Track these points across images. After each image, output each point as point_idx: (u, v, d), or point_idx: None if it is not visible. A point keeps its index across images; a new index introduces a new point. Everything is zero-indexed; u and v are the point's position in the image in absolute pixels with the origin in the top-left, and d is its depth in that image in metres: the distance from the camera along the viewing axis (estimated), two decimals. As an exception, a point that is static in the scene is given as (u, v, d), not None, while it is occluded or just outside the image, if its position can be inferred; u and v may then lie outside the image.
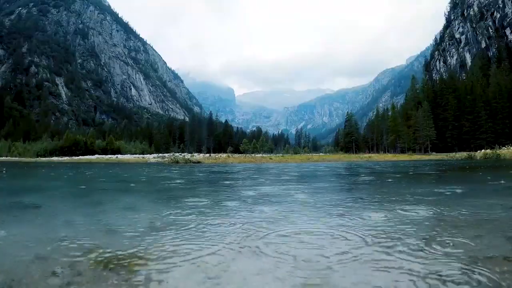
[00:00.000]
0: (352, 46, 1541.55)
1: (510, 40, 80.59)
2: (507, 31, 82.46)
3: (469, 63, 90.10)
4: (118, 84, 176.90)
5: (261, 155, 43.01)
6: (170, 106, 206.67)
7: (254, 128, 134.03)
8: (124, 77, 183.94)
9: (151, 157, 33.58)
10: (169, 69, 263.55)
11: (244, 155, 40.61)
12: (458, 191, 4.22)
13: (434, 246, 1.63)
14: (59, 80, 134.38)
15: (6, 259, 1.52)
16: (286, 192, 4.43)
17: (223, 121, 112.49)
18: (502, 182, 5.41)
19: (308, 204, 3.34)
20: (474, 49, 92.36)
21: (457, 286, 1.16)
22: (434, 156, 34.11)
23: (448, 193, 4.02)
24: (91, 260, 1.47)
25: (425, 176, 8.29)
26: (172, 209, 3.03)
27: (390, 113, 66.71)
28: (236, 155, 37.71)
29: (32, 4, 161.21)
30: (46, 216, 2.84)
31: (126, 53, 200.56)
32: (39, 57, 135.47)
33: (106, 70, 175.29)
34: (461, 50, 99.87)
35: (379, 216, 2.52)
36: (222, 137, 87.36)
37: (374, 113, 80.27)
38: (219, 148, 78.75)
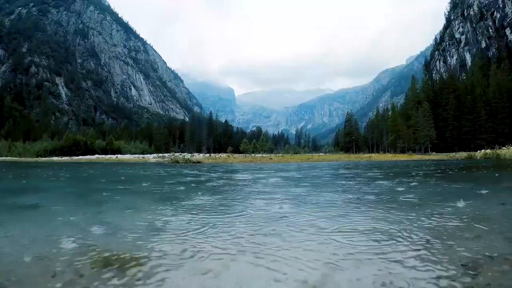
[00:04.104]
0: (352, 46, 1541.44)
1: (510, 40, 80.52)
2: (507, 31, 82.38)
3: (469, 63, 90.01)
4: (118, 84, 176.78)
5: (261, 155, 43.06)
6: (170, 106, 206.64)
7: (254, 128, 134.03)
8: (124, 77, 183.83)
9: (151, 157, 33.57)
10: (169, 69, 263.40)
11: (244, 155, 40.63)
12: (457, 190, 4.23)
13: (434, 245, 1.64)
14: (59, 80, 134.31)
15: (6, 259, 1.52)
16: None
17: (223, 121, 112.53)
18: (500, 180, 5.41)
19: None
20: (474, 49, 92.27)
21: (457, 284, 1.15)
22: (434, 156, 34.11)
23: (447, 193, 4.02)
24: (91, 260, 1.47)
25: (428, 176, 8.28)
26: (172, 209, 3.03)
27: (390, 113, 66.69)
28: (236, 155, 37.70)
29: (32, 4, 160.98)
30: (46, 216, 2.84)
31: (126, 53, 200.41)
32: (39, 57, 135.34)
33: (106, 70, 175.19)
34: (461, 50, 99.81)
35: (377, 219, 2.52)
36: (222, 137, 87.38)
37: (374, 113, 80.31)
38: (219, 148, 78.76)
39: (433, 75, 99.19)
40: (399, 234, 1.91)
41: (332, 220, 2.41)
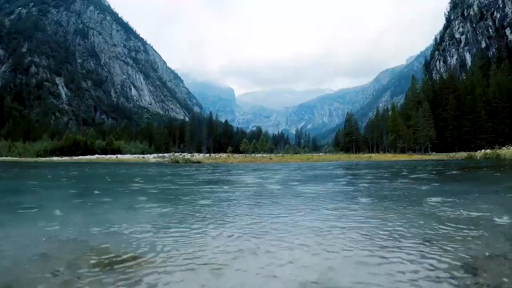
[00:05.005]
0: (352, 46, 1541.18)
1: (510, 40, 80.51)
2: (507, 31, 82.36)
3: (469, 63, 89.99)
4: (118, 84, 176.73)
5: (261, 155, 43.09)
6: (170, 106, 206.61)
7: (254, 128, 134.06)
8: (124, 77, 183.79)
9: (151, 157, 33.59)
10: (169, 69, 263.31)
11: (244, 155, 40.64)
12: (456, 190, 4.23)
13: (434, 245, 1.63)
14: (59, 80, 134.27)
15: (6, 259, 1.52)
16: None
17: (223, 121, 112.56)
18: (500, 180, 5.41)
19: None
20: (474, 49, 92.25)
21: (457, 284, 1.15)
22: (434, 156, 34.13)
23: (446, 192, 4.02)
24: (91, 260, 1.47)
25: (427, 176, 8.29)
26: (172, 209, 3.04)
27: (390, 113, 66.69)
28: (236, 155, 37.71)
29: (32, 4, 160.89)
30: (46, 216, 2.85)
31: (126, 53, 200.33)
32: (39, 57, 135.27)
33: (106, 70, 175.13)
34: (461, 50, 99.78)
35: (377, 219, 2.52)
36: (222, 137, 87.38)
37: (374, 113, 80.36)
38: (219, 148, 78.76)
39: (433, 75, 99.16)
40: (399, 234, 1.92)
41: (332, 220, 2.42)
